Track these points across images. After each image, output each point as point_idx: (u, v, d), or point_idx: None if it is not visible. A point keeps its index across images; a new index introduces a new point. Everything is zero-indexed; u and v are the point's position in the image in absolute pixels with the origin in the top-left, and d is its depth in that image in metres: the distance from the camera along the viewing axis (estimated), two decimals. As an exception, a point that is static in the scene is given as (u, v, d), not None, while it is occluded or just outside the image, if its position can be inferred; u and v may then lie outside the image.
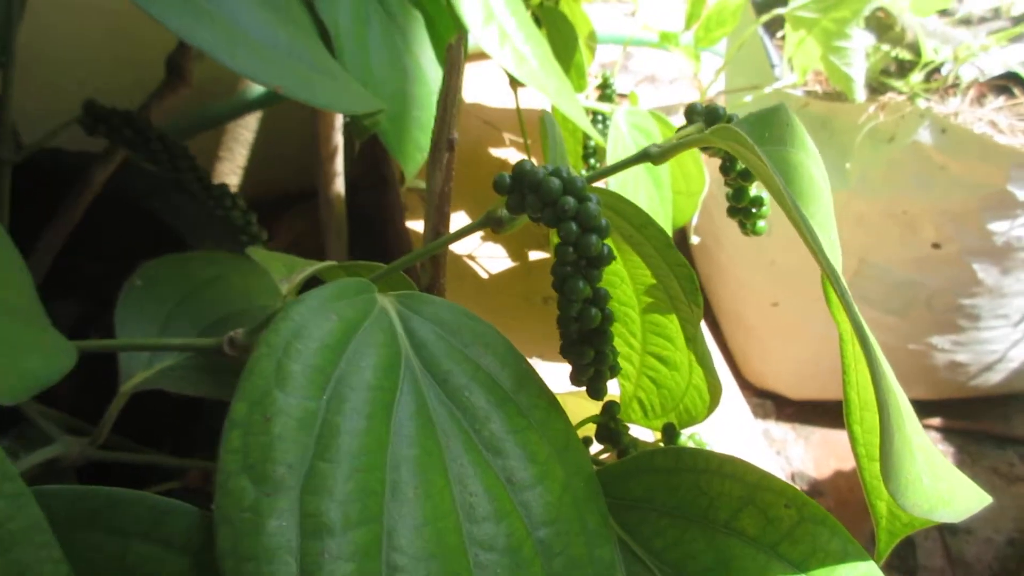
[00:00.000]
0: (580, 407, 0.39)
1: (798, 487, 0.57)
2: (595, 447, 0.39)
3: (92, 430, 0.42)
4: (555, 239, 0.28)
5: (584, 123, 0.60)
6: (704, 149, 0.31)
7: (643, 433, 0.41)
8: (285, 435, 0.24)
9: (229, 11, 0.40)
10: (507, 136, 0.94)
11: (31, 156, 0.50)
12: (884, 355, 0.26)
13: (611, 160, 0.63)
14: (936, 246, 0.82)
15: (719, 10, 0.77)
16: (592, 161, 0.72)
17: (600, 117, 0.72)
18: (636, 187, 0.65)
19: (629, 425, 0.39)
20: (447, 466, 0.26)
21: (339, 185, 0.73)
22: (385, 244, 0.96)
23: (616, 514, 0.31)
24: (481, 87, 1.00)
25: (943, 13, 0.85)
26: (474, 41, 0.54)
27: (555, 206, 0.27)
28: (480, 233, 0.80)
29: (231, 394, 0.33)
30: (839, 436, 1.01)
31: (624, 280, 0.39)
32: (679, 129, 0.31)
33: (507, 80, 0.68)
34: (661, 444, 0.39)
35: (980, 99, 0.81)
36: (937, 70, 0.81)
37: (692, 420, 0.41)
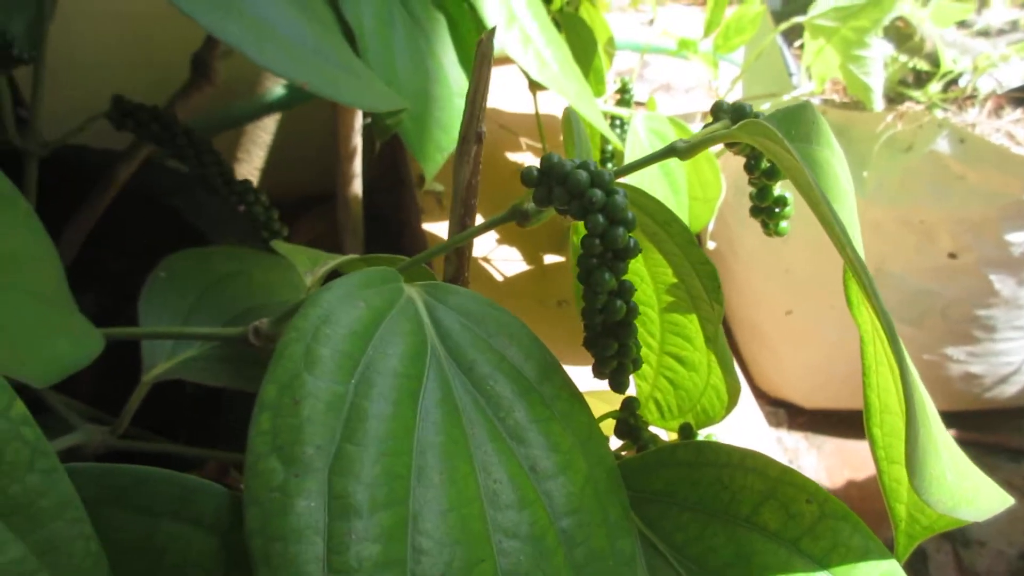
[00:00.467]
0: (596, 408, 0.40)
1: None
2: (614, 444, 0.39)
3: (112, 420, 0.43)
4: (576, 238, 0.28)
5: (603, 126, 0.60)
6: (729, 146, 0.31)
7: (659, 434, 0.41)
8: (314, 417, 0.24)
9: (257, 8, 0.41)
10: (524, 140, 0.95)
11: (57, 152, 0.51)
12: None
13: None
14: (953, 256, 0.82)
15: (738, 18, 0.78)
16: (610, 166, 0.72)
17: (618, 122, 0.72)
18: (652, 192, 0.65)
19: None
20: (472, 453, 0.26)
21: (357, 186, 0.74)
22: (401, 245, 0.97)
23: (637, 507, 0.31)
24: (498, 91, 1.00)
25: (962, 24, 0.85)
26: (496, 44, 0.55)
27: (582, 198, 0.27)
28: (496, 235, 0.81)
29: (252, 385, 0.33)
30: (852, 446, 1.00)
31: (644, 279, 0.39)
32: (705, 126, 0.31)
33: (526, 84, 0.68)
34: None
35: (998, 111, 0.81)
36: (955, 81, 0.81)
37: (709, 421, 0.41)
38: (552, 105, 0.95)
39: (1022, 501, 0.95)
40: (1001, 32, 0.87)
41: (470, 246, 0.33)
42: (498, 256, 0.79)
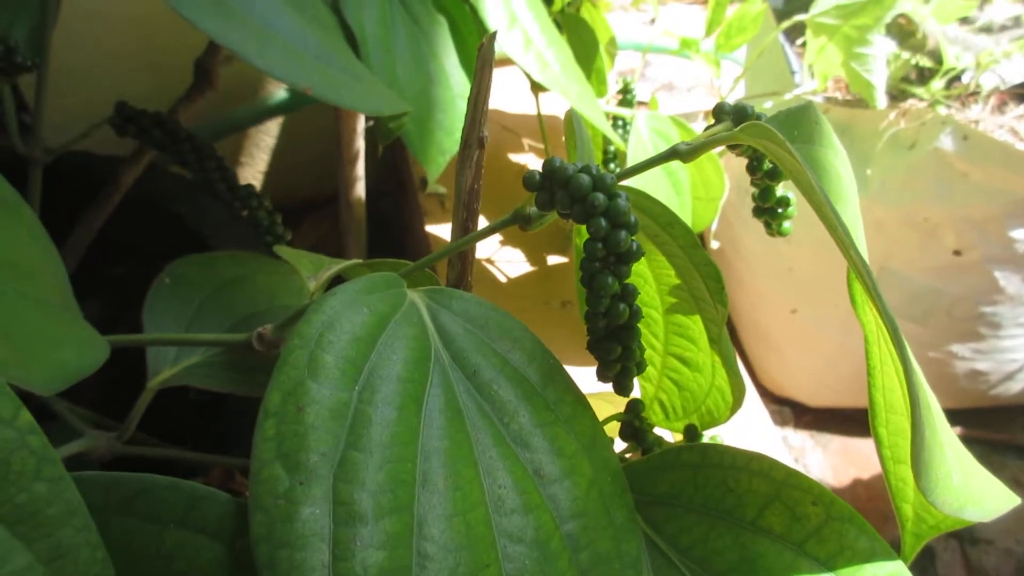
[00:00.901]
0: (600, 410, 0.40)
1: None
2: (619, 446, 0.39)
3: (117, 426, 0.43)
4: (579, 240, 0.28)
5: (605, 127, 0.60)
6: (731, 148, 0.31)
7: (664, 435, 0.41)
8: (318, 424, 0.24)
9: (259, 14, 0.41)
10: (526, 142, 0.95)
11: (60, 158, 0.51)
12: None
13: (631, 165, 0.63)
14: (957, 253, 0.82)
15: (740, 16, 0.78)
16: (612, 166, 0.72)
17: (620, 122, 0.72)
18: (655, 192, 0.65)
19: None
20: (476, 458, 0.26)
21: (359, 189, 0.74)
22: (404, 248, 0.97)
23: (642, 510, 0.31)
24: (500, 93, 1.00)
25: (964, 21, 0.85)
26: (497, 46, 0.55)
27: (584, 202, 0.27)
28: (499, 237, 0.81)
29: (256, 391, 0.33)
30: (858, 444, 1.00)
31: (648, 281, 0.39)
32: (707, 128, 0.31)
33: (528, 85, 0.68)
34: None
35: (1001, 107, 0.81)
36: (958, 77, 0.81)
37: (714, 422, 0.41)
38: (555, 106, 0.95)
39: (1029, 499, 0.95)
40: (1004, 28, 0.87)
41: (473, 250, 0.33)
42: (501, 257, 0.79)
